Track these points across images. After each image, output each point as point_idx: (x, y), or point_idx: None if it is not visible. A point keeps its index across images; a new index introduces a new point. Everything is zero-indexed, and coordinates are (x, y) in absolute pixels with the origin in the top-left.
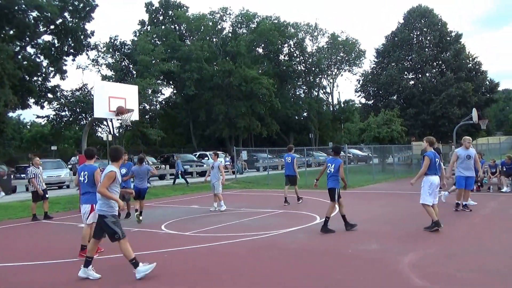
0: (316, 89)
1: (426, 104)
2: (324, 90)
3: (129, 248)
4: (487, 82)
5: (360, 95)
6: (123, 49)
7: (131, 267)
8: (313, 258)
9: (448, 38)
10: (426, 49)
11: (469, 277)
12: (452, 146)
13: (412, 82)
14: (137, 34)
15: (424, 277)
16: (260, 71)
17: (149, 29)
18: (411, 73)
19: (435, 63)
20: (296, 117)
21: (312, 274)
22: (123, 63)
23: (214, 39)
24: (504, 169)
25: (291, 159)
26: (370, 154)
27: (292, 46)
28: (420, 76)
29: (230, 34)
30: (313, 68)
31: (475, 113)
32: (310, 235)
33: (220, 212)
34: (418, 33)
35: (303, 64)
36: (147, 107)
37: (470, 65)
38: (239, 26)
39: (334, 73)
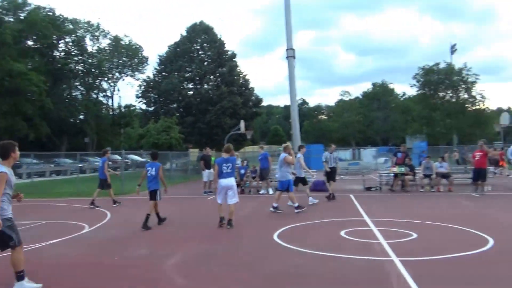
0: (95, 92)
1: (203, 114)
2: (104, 93)
3: (22, 258)
4: (254, 98)
5: (141, 101)
6: None
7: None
8: (72, 272)
9: (225, 56)
10: (206, 63)
11: (221, 270)
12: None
13: (191, 92)
14: None
15: (185, 275)
16: (29, 66)
17: None
18: (191, 83)
19: (212, 76)
20: (72, 120)
21: None
22: None
23: None
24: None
25: (101, 162)
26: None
27: (70, 43)
28: (199, 87)
29: None
30: (93, 70)
31: (243, 124)
32: (75, 246)
33: None
34: (199, 47)
35: (82, 64)
36: None
37: (241, 81)
38: (4, 13)
39: (115, 76)
